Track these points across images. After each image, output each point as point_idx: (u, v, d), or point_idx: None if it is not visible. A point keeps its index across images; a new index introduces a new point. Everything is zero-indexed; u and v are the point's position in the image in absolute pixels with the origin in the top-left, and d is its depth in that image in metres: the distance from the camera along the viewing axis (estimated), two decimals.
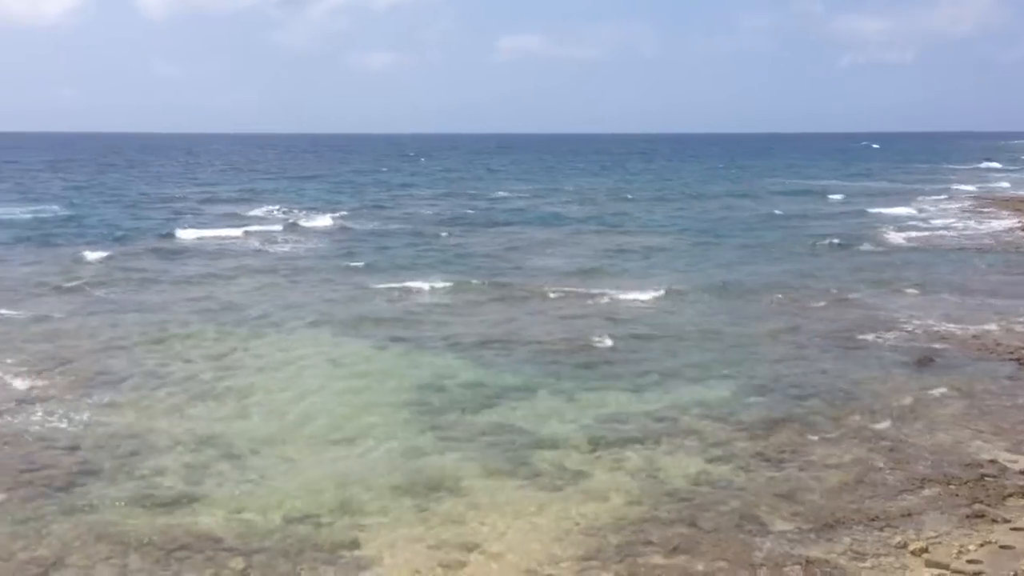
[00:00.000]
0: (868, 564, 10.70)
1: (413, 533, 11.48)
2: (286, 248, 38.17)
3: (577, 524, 11.80)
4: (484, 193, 69.57)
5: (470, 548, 11.12)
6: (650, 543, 11.30)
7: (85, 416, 15.67)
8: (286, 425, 15.53)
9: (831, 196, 64.38)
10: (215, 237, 40.96)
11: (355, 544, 11.16)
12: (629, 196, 66.60)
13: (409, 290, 28.00)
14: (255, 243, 39.68)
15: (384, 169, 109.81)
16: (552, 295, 27.25)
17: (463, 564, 10.76)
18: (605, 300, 26.45)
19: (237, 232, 42.55)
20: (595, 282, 29.35)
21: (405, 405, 16.60)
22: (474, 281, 29.40)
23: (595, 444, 14.76)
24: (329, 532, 11.50)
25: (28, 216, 49.05)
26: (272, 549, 11.00)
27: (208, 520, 11.81)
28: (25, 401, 16.42)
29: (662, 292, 27.26)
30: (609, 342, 21.27)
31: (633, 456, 14.25)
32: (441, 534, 11.46)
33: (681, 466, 13.85)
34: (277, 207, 55.59)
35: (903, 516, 11.98)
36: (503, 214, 52.50)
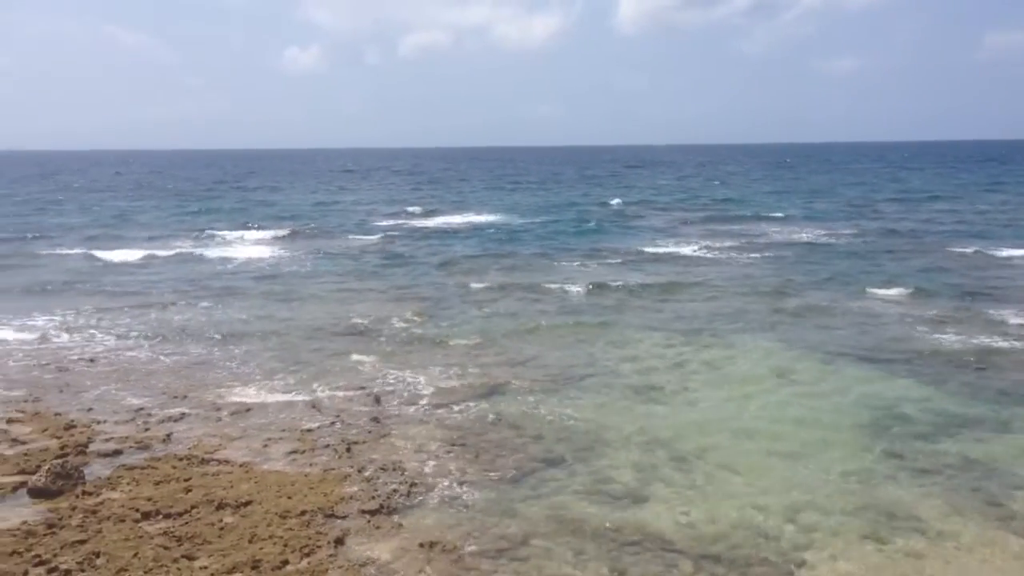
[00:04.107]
0: None
1: (867, 562, 10.89)
2: (750, 262, 37.85)
3: None
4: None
5: None
6: None
7: (550, 408, 17.00)
8: (733, 434, 15.58)
9: None
10: (689, 250, 42.09)
11: (804, 564, 10.85)
12: None
13: (870, 304, 26.62)
14: (718, 255, 40.16)
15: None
16: None
17: None
18: None
19: (711, 244, 43.58)
20: None
21: (858, 426, 15.80)
22: (941, 299, 27.20)
23: None
24: (777, 548, 11.30)
25: (530, 222, 55.30)
26: (720, 556, 11.07)
27: (657, 519, 12.15)
28: (502, 392, 18.20)
29: None
30: None
31: None
32: (899, 568, 10.73)
33: None
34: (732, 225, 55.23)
35: None
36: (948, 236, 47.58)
